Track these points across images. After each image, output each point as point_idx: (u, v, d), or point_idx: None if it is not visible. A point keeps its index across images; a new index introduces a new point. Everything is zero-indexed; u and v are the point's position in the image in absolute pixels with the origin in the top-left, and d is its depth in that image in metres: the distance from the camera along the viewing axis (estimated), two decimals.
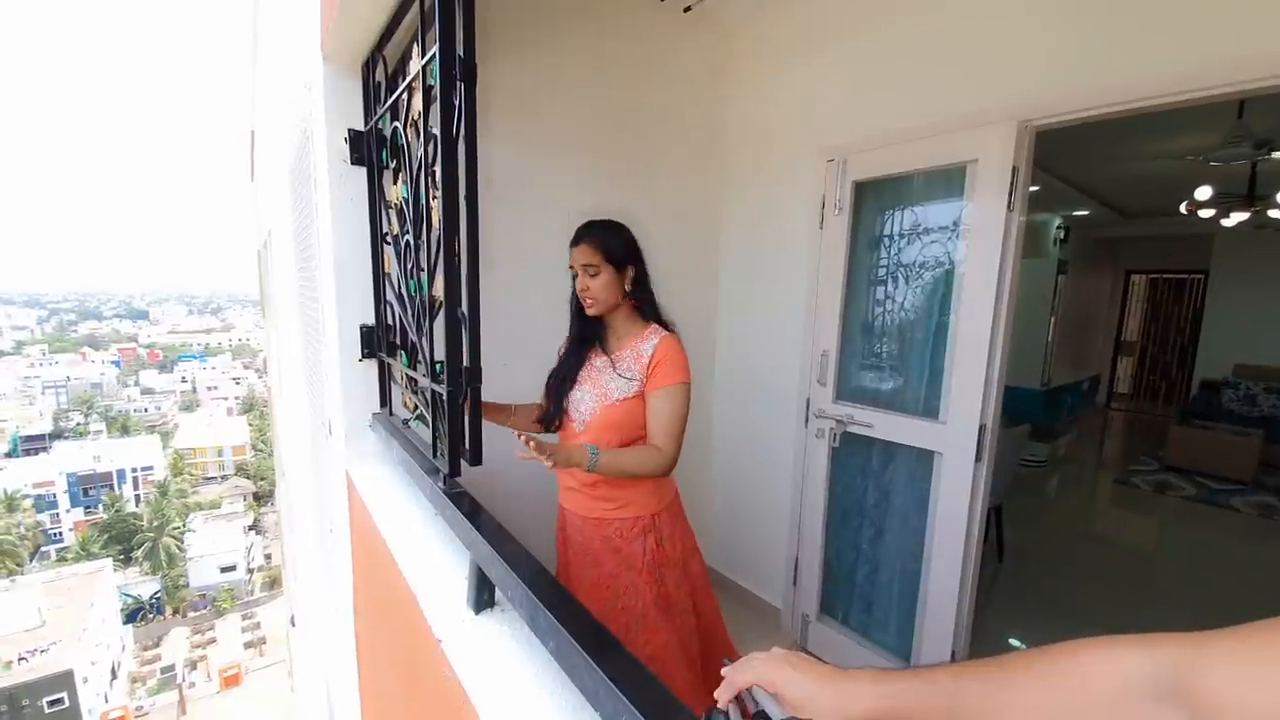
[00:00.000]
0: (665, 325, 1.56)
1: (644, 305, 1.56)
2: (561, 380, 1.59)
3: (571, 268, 1.52)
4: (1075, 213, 6.48)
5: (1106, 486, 5.39)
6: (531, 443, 1.24)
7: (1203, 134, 3.70)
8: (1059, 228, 6.47)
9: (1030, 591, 3.25)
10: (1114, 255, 8.30)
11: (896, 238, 2.24)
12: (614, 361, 1.51)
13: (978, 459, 1.96)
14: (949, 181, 2.03)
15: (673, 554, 1.59)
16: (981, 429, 1.94)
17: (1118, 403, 9.22)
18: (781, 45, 2.55)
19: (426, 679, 1.06)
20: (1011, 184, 1.82)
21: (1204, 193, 4.31)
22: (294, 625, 6.07)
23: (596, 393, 1.52)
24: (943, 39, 2.00)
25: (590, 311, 1.52)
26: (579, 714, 0.74)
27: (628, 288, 1.51)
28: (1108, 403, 8.97)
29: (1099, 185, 5.52)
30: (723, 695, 0.58)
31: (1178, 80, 1.53)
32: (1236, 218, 4.48)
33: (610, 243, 1.49)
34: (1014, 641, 2.81)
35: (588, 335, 1.58)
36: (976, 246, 1.92)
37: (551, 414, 1.60)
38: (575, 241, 1.51)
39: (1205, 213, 4.51)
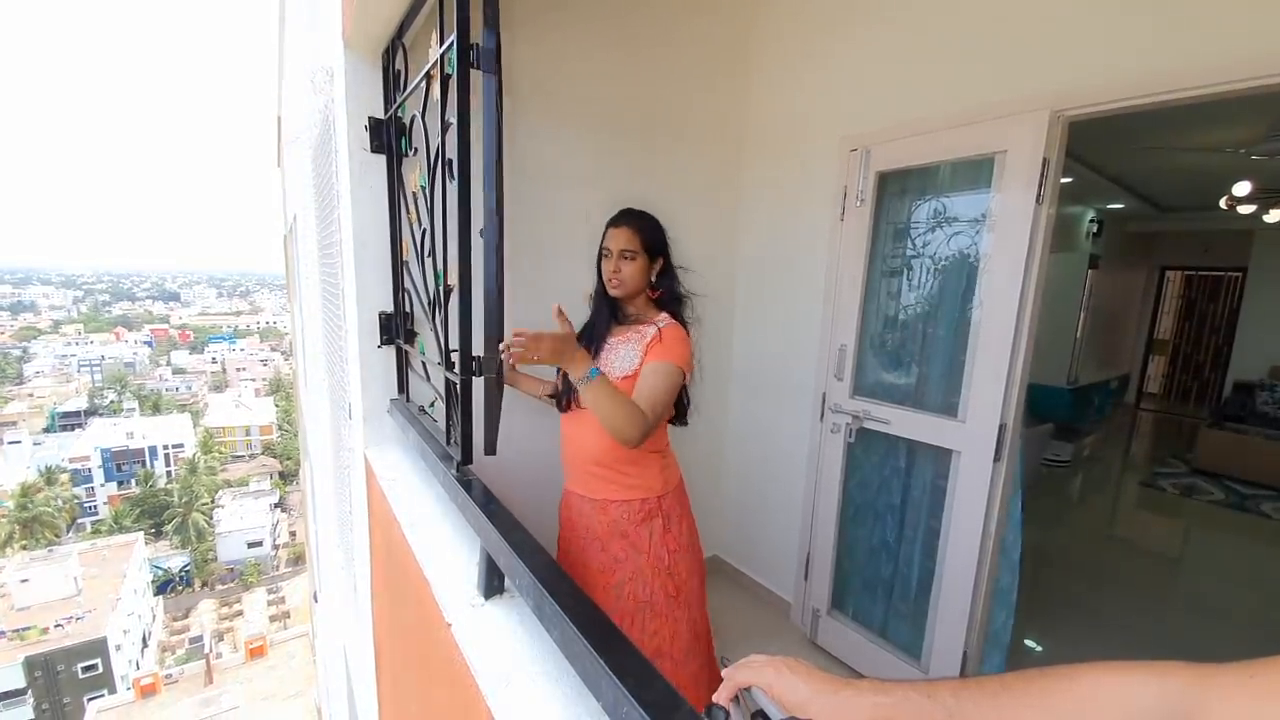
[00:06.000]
0: (680, 319, 1.58)
1: (664, 297, 1.59)
2: None
3: (605, 248, 1.57)
4: (1109, 206, 6.28)
5: (1132, 489, 5.27)
6: (523, 336, 1.24)
7: (1246, 126, 3.55)
8: (1092, 221, 6.28)
9: (1047, 594, 3.19)
10: (1149, 250, 8.03)
11: (920, 230, 2.19)
12: (621, 342, 1.56)
13: (997, 459, 1.92)
14: (976, 173, 1.98)
15: (680, 538, 1.59)
16: (1002, 428, 1.90)
17: (1147, 403, 8.96)
18: (804, 31, 2.50)
19: (437, 660, 1.09)
20: (1042, 176, 1.77)
21: (1243, 188, 4.15)
22: (317, 600, 6.23)
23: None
24: (972, 24, 1.94)
25: (614, 292, 1.57)
26: (581, 702, 0.75)
27: (653, 278, 1.58)
28: (1137, 403, 8.73)
29: (1134, 178, 5.33)
30: (722, 694, 0.58)
31: (1222, 70, 1.46)
32: (1278, 214, 4.32)
33: (649, 232, 1.56)
34: (1029, 643, 2.77)
35: (604, 318, 1.62)
36: (1003, 240, 1.87)
37: (563, 393, 1.63)
38: (615, 223, 1.56)
39: (1245, 208, 4.35)
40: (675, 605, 1.56)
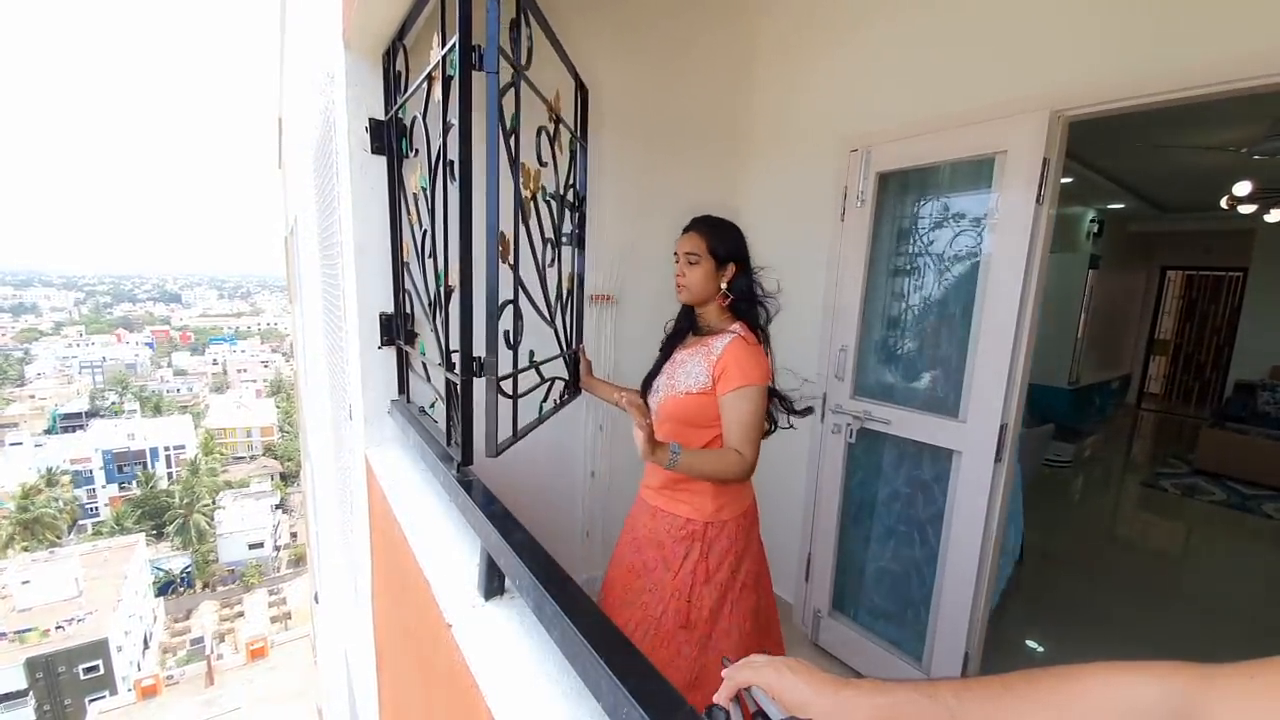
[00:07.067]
0: (754, 328, 1.53)
1: (737, 304, 1.55)
2: (653, 371, 1.65)
3: (675, 253, 1.58)
4: (1110, 206, 6.28)
5: (1133, 489, 5.26)
6: (641, 426, 1.29)
7: (1246, 126, 3.55)
8: (1093, 221, 6.28)
9: (1049, 595, 3.19)
10: (1149, 250, 8.03)
11: (920, 231, 2.19)
12: (690, 356, 1.53)
13: (998, 459, 1.92)
14: (976, 173, 1.98)
15: (716, 574, 1.51)
16: (1002, 428, 1.90)
17: (1148, 403, 8.96)
18: (805, 31, 2.50)
19: (437, 661, 1.09)
20: (1042, 176, 1.77)
21: (1243, 188, 4.16)
22: (317, 602, 6.24)
23: (668, 384, 1.55)
24: (972, 24, 1.94)
25: (680, 298, 1.58)
26: (582, 702, 0.75)
27: (724, 285, 1.54)
28: (1138, 403, 8.73)
29: (1135, 178, 5.34)
30: (723, 694, 0.58)
31: (1222, 69, 1.46)
32: (1279, 214, 4.32)
33: (715, 237, 1.54)
34: (1030, 644, 2.77)
35: (683, 329, 1.64)
36: (1003, 240, 1.87)
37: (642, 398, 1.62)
38: (685, 229, 1.58)
39: (1245, 208, 4.35)
40: (683, 637, 1.49)
